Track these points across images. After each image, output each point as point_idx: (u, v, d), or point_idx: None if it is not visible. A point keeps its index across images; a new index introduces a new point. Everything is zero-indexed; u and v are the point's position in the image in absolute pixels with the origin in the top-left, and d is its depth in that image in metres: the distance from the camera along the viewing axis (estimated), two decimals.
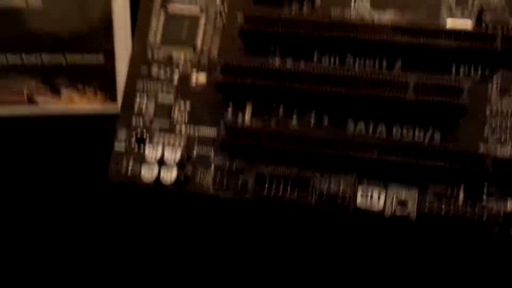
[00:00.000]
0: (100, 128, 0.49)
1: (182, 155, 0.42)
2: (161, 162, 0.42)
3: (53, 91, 0.53)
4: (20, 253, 0.49)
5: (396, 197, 0.41)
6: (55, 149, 0.51)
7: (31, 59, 0.52)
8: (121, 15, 0.52)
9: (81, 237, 0.48)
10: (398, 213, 0.40)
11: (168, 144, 0.43)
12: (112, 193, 0.46)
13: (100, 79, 0.53)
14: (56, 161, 0.51)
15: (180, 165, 0.42)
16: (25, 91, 0.53)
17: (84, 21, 0.52)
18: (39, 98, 0.53)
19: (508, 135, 0.41)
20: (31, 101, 0.53)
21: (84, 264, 0.48)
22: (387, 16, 0.43)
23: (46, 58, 0.53)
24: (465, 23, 0.42)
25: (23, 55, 0.52)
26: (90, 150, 0.49)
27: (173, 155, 0.41)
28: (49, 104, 0.53)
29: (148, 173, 0.41)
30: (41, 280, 0.48)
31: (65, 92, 0.53)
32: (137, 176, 0.42)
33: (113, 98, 0.53)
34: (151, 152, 0.41)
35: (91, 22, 0.53)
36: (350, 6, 0.44)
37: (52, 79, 0.53)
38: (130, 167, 0.43)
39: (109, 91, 0.53)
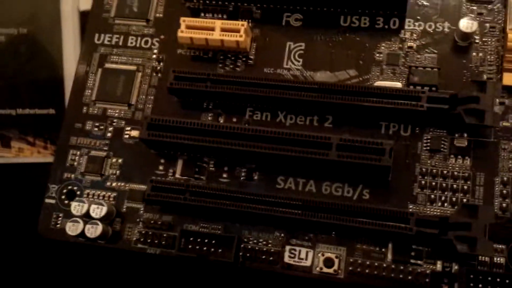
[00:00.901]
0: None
1: (110, 211, 0.42)
2: (88, 217, 0.41)
3: (4, 144, 0.54)
4: None
5: (324, 255, 0.40)
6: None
7: None
8: (71, 71, 0.53)
9: None
10: (325, 271, 0.40)
11: (98, 198, 0.43)
12: (44, 247, 0.46)
13: (50, 131, 0.53)
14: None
15: (108, 220, 0.42)
16: None
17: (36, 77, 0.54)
18: None
19: (437, 195, 0.40)
20: None
21: None
22: (318, 76, 0.43)
23: None
24: (394, 85, 0.42)
25: None
26: (29, 200, 0.49)
27: (99, 210, 0.41)
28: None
29: (73, 228, 0.41)
30: None
31: (15, 144, 0.53)
32: (65, 231, 0.42)
33: None
34: (77, 208, 0.41)
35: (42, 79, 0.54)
36: (282, 67, 0.44)
37: (2, 131, 0.54)
38: (59, 222, 0.43)
39: None
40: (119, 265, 0.46)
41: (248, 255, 0.40)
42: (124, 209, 0.43)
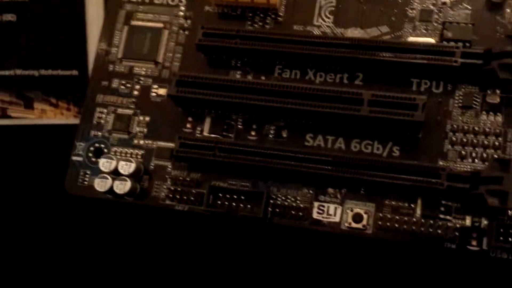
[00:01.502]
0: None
1: (138, 167, 0.42)
2: (116, 174, 0.41)
3: (27, 106, 0.53)
4: None
5: (353, 211, 0.40)
6: (18, 158, 0.51)
7: (5, 73, 0.53)
8: (94, 32, 0.53)
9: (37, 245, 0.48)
10: (354, 226, 0.40)
11: (125, 156, 0.43)
12: (70, 204, 0.46)
13: (74, 93, 0.53)
14: (17, 170, 0.51)
15: (136, 177, 0.42)
16: None
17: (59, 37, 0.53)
18: (12, 113, 0.53)
19: (467, 151, 0.40)
20: (4, 115, 0.53)
21: (39, 274, 0.47)
22: (349, 33, 0.43)
23: (20, 72, 0.53)
24: (427, 41, 0.41)
25: None
26: (53, 160, 0.49)
27: (127, 167, 0.41)
28: (22, 117, 0.53)
29: (101, 185, 0.41)
30: None
31: (38, 105, 0.53)
32: (93, 188, 0.42)
33: None
34: (106, 164, 0.41)
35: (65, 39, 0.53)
36: (312, 24, 0.43)
37: (25, 93, 0.53)
38: (86, 179, 0.43)
39: (82, 105, 0.53)
40: (146, 223, 0.46)
41: (277, 211, 0.40)
42: (151, 167, 0.43)
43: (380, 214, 0.39)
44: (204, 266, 0.45)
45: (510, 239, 0.38)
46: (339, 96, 0.39)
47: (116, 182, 0.41)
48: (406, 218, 0.39)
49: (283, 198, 0.41)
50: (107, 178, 0.41)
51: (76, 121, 0.52)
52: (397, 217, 0.39)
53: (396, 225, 0.39)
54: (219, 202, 0.41)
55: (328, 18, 0.43)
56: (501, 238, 0.38)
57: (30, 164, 0.51)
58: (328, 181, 0.40)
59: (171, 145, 0.43)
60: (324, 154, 0.39)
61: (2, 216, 0.50)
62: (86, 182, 0.43)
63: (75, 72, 0.54)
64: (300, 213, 0.40)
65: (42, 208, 0.49)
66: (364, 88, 0.41)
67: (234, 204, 0.40)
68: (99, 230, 0.47)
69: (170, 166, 0.43)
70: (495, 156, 0.39)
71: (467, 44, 0.40)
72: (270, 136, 0.42)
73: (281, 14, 0.44)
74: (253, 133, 0.42)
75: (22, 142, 0.52)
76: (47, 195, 0.49)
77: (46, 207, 0.49)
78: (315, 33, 0.43)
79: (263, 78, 0.43)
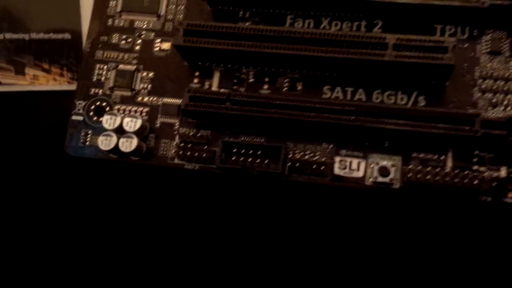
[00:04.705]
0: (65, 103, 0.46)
1: (143, 125, 0.38)
2: (120, 132, 0.38)
3: (17, 71, 0.50)
4: None
5: (378, 164, 0.37)
6: (10, 126, 0.48)
7: None
8: None
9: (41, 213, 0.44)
10: (380, 180, 0.37)
11: (129, 113, 0.40)
12: (71, 167, 0.43)
13: (67, 57, 0.50)
14: (9, 140, 0.47)
15: (142, 135, 0.39)
16: None
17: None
18: (2, 79, 0.50)
19: (499, 98, 0.37)
20: None
21: (41, 245, 0.44)
22: None
23: (9, 36, 0.50)
24: None
25: None
26: (52, 125, 0.46)
27: (133, 123, 0.38)
28: (13, 84, 0.50)
29: (105, 143, 0.38)
30: None
31: (29, 71, 0.50)
32: (95, 148, 0.39)
33: None
34: (109, 121, 0.38)
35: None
36: None
37: (16, 58, 0.50)
38: (87, 139, 0.40)
39: (76, 70, 0.49)
40: (151, 185, 0.42)
41: (296, 166, 0.37)
42: (157, 125, 0.40)
43: (408, 167, 0.37)
44: (218, 229, 0.41)
45: None
46: (360, 41, 0.37)
47: (122, 140, 0.38)
48: (436, 171, 0.36)
49: (301, 153, 0.38)
50: (111, 136, 0.38)
51: (70, 87, 0.49)
52: (426, 170, 0.36)
53: (427, 178, 0.36)
54: (233, 158, 0.37)
55: None
56: None
57: (22, 133, 0.47)
58: (350, 133, 0.37)
59: (177, 101, 0.40)
60: (346, 103, 0.36)
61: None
62: (87, 142, 0.40)
63: (67, 36, 0.50)
64: (320, 169, 0.37)
65: (39, 176, 0.45)
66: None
67: (249, 160, 0.37)
68: (101, 195, 0.43)
69: (177, 124, 0.39)
70: None
71: None
72: (284, 89, 0.39)
73: None
74: (265, 86, 0.39)
75: (13, 110, 0.49)
76: (42, 165, 0.45)
77: (43, 175, 0.45)
78: None
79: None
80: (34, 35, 0.50)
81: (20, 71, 0.50)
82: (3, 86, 0.50)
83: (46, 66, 0.50)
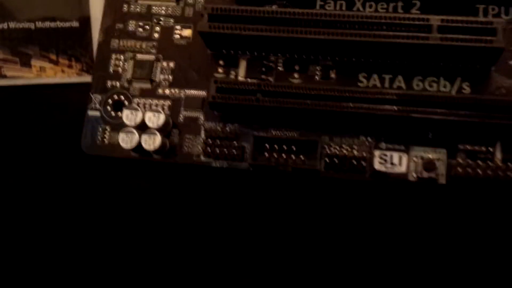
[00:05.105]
0: (75, 97, 0.43)
1: (166, 120, 0.35)
2: (142, 128, 0.35)
3: (23, 63, 0.47)
4: None
5: (422, 159, 0.34)
6: (26, 121, 0.45)
7: None
8: None
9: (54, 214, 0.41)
10: (426, 175, 0.34)
11: (150, 108, 0.37)
12: (88, 166, 0.40)
13: (75, 47, 0.47)
14: (27, 133, 0.44)
15: (165, 132, 0.36)
16: None
17: None
18: (7, 72, 0.47)
19: None
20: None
21: (54, 238, 0.41)
22: None
23: (14, 25, 0.47)
24: None
25: None
26: (63, 122, 0.43)
27: (156, 118, 0.35)
28: (19, 77, 0.47)
29: (126, 140, 0.35)
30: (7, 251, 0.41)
31: (36, 63, 0.47)
32: (114, 146, 0.36)
33: (89, 69, 0.46)
34: (130, 116, 0.35)
35: None
36: None
37: (21, 49, 0.47)
38: (106, 136, 0.37)
39: (85, 61, 0.46)
40: (175, 186, 0.40)
41: (334, 161, 0.35)
42: (180, 119, 0.37)
43: (453, 161, 0.34)
44: (250, 232, 0.39)
45: None
46: (401, 23, 0.34)
47: (144, 136, 0.35)
48: (484, 164, 0.34)
49: (337, 148, 0.35)
50: (133, 132, 0.35)
51: (79, 79, 0.46)
52: (475, 163, 0.34)
53: (478, 171, 0.33)
54: (266, 155, 0.35)
55: None
56: None
57: (31, 131, 0.44)
58: (391, 125, 0.35)
59: (201, 93, 0.37)
60: (387, 92, 0.34)
61: (7, 185, 0.43)
62: (105, 140, 0.37)
63: (75, 24, 0.47)
64: (359, 165, 0.35)
65: (53, 177, 0.42)
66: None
67: (284, 156, 0.35)
68: (119, 196, 0.40)
69: (202, 118, 0.37)
70: None
71: None
72: (316, 77, 0.36)
73: None
74: (296, 75, 0.37)
75: (19, 104, 0.46)
76: (57, 165, 0.42)
77: (58, 176, 0.42)
78: None
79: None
80: (39, 24, 0.47)
81: (26, 63, 0.47)
82: (8, 79, 0.47)
83: (53, 57, 0.47)
